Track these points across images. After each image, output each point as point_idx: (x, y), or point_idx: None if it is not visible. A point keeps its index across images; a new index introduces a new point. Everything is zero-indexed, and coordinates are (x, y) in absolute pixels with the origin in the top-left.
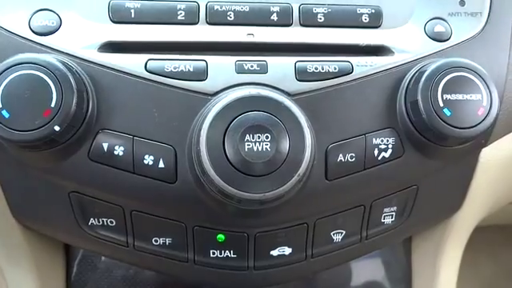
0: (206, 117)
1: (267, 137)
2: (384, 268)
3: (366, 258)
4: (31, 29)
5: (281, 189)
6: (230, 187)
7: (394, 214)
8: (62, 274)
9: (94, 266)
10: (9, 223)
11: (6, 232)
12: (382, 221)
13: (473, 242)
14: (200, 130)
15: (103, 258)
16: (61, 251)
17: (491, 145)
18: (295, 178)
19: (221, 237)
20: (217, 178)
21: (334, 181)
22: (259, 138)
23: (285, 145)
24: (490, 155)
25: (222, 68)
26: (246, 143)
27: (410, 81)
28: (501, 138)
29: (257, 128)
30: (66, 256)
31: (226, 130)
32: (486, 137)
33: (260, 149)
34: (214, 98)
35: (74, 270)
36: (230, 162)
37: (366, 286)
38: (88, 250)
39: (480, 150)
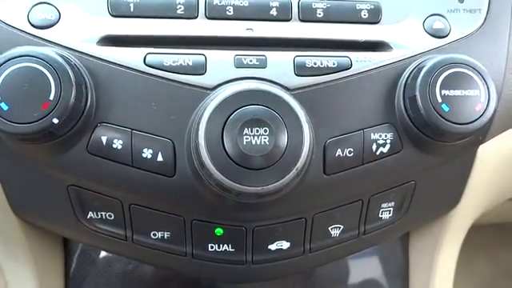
0: (204, 110)
1: (266, 130)
2: (381, 264)
3: (364, 254)
4: (30, 22)
5: (279, 182)
6: (228, 180)
7: (391, 209)
8: (61, 268)
9: (93, 260)
10: (7, 217)
11: (5, 226)
12: (380, 216)
13: (470, 242)
14: (199, 123)
15: (102, 252)
16: (59, 245)
17: (489, 141)
18: (294, 172)
19: (219, 231)
20: (215, 171)
21: (332, 175)
22: (257, 131)
23: (283, 139)
24: (487, 152)
25: (220, 62)
26: (245, 137)
27: (408, 76)
28: (498, 134)
29: (255, 122)
30: (65, 250)
31: (225, 124)
32: (484, 133)
33: (258, 142)
34: (213, 92)
35: (73, 264)
36: (229, 156)
37: (364, 282)
38: (86, 244)
39: (478, 147)
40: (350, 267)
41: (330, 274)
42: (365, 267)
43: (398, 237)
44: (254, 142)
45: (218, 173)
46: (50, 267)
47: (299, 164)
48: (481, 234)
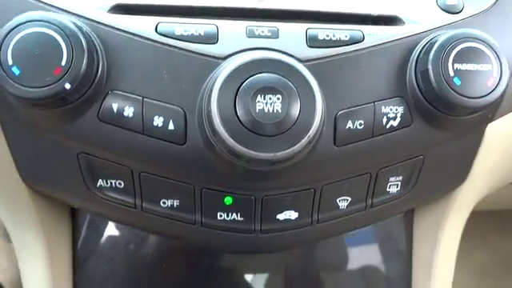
0: (217, 78)
1: (278, 98)
2: (385, 239)
3: (368, 230)
4: None
5: (291, 149)
6: (240, 146)
7: (399, 183)
8: (69, 238)
9: (101, 231)
10: (17, 186)
11: (14, 195)
12: (388, 190)
13: (468, 230)
14: (211, 90)
15: (110, 223)
16: (67, 216)
17: (498, 120)
18: (305, 140)
19: (228, 199)
20: (228, 137)
21: (342, 147)
22: (270, 99)
23: (296, 107)
24: (496, 130)
25: (232, 32)
26: (258, 104)
27: (420, 51)
28: (508, 113)
29: (268, 89)
30: (73, 221)
31: (238, 91)
32: (494, 110)
33: (271, 110)
34: (225, 61)
35: (81, 235)
36: (241, 122)
37: (368, 257)
38: (95, 213)
39: (487, 125)
40: (354, 243)
41: (332, 250)
42: (369, 244)
43: (404, 211)
44: (266, 110)
45: (231, 139)
46: (59, 237)
47: (311, 132)
48: (479, 223)
